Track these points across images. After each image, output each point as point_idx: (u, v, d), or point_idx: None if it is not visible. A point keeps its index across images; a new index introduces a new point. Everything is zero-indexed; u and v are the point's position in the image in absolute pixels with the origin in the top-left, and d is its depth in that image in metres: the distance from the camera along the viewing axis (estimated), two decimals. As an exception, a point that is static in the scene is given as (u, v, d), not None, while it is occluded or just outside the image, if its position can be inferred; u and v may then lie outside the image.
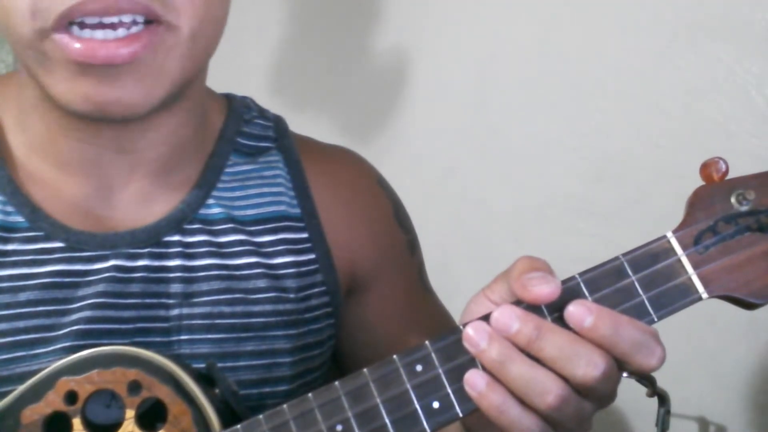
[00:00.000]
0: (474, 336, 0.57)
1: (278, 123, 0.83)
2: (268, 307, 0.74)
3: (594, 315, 0.56)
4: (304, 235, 0.78)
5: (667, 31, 1.27)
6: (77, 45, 0.62)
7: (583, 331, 0.56)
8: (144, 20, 0.64)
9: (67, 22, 0.62)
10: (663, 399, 1.17)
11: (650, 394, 1.17)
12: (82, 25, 0.63)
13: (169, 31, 0.65)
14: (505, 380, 0.56)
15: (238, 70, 1.55)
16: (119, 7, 0.62)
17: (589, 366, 0.55)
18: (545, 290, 0.56)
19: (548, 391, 0.55)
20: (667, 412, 1.17)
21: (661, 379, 1.17)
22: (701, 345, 1.25)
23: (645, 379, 1.17)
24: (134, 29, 0.63)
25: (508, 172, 1.43)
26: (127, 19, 0.63)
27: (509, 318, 0.56)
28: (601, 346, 0.56)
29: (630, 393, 1.22)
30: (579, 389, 0.56)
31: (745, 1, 1.20)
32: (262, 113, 0.83)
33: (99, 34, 0.63)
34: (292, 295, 0.76)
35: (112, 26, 0.63)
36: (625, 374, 1.15)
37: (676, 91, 1.26)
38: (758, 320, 1.19)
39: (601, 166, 1.33)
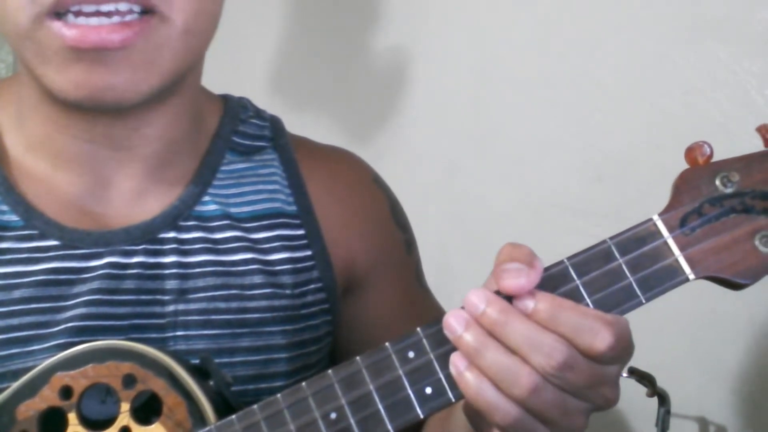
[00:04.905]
0: (453, 323, 0.58)
1: (274, 123, 0.84)
2: (263, 303, 0.75)
3: (536, 299, 0.57)
4: (301, 232, 0.78)
5: (667, 31, 1.26)
6: (70, 31, 0.63)
7: (530, 316, 0.57)
8: (140, 11, 0.65)
9: (63, 9, 0.63)
10: (663, 399, 1.17)
11: (650, 394, 1.17)
12: (78, 14, 0.64)
13: (162, 23, 0.66)
14: (481, 366, 0.57)
15: (238, 70, 1.56)
16: None
17: (549, 356, 0.55)
18: (513, 284, 0.57)
19: (519, 379, 0.55)
20: (667, 412, 1.16)
21: (661, 379, 1.17)
22: (701, 345, 1.24)
23: (645, 379, 1.17)
24: (128, 18, 0.64)
25: (508, 172, 1.42)
26: (123, 7, 0.64)
27: (478, 299, 0.57)
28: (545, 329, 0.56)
29: (630, 393, 1.21)
30: (549, 379, 0.56)
31: (745, 1, 1.20)
32: (259, 113, 0.84)
33: (93, 21, 0.64)
34: (288, 292, 0.76)
35: (108, 14, 0.64)
36: (624, 374, 1.15)
37: (676, 91, 1.26)
38: (758, 320, 1.19)
39: (601, 166, 1.33)
